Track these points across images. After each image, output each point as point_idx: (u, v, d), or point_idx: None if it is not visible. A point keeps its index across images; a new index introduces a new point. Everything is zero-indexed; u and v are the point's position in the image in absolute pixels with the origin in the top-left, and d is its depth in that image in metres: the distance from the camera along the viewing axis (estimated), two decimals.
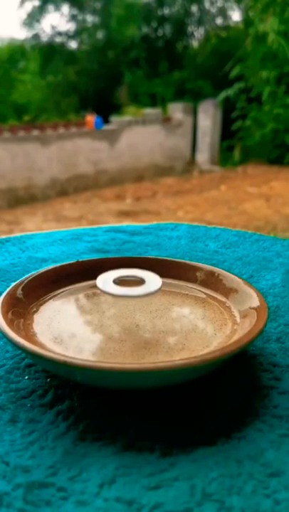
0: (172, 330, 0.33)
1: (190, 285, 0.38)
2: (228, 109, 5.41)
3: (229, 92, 5.22)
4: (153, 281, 0.33)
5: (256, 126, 5.23)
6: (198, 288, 0.38)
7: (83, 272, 0.39)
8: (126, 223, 0.65)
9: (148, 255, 0.50)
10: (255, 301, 0.33)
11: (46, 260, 0.51)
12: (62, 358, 0.26)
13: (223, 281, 0.37)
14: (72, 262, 0.40)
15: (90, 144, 4.73)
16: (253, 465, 0.24)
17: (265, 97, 5.01)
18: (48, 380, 0.30)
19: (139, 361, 0.29)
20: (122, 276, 0.34)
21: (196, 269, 0.39)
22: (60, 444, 0.25)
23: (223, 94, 5.30)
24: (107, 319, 0.34)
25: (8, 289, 0.34)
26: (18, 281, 0.36)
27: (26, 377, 0.31)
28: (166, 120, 5.42)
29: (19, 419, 0.27)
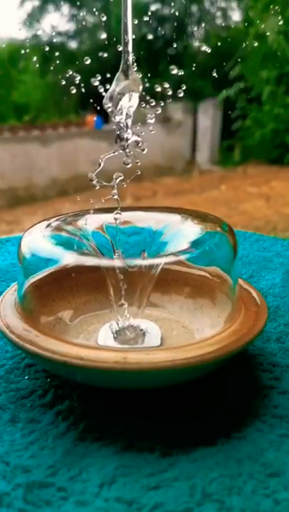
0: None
1: None
2: (228, 109, 5.40)
3: (229, 92, 5.22)
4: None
5: (256, 126, 5.23)
6: None
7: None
8: None
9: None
10: (255, 301, 0.33)
11: None
12: (62, 358, 0.26)
13: None
14: None
15: (90, 144, 4.73)
16: (253, 465, 0.24)
17: (265, 97, 5.01)
18: (48, 380, 0.30)
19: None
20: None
21: None
22: (60, 444, 0.25)
23: (223, 94, 5.30)
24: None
25: (8, 289, 0.34)
26: None
27: (26, 377, 0.31)
28: (166, 120, 5.42)
29: (19, 419, 0.27)
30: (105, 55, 0.33)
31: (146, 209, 0.39)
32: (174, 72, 0.33)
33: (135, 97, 0.31)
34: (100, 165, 0.32)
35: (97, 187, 0.33)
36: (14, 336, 0.28)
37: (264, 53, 4.80)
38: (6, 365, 0.32)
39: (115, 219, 0.34)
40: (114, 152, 0.32)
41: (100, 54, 0.33)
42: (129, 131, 0.32)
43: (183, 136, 5.59)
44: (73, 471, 0.23)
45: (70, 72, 0.33)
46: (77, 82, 0.33)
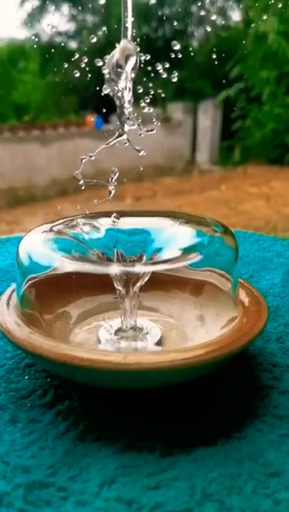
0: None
1: None
2: (228, 109, 5.40)
3: (229, 92, 5.22)
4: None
5: (256, 126, 5.23)
6: None
7: None
8: None
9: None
10: (255, 301, 0.33)
11: None
12: (62, 358, 0.26)
13: None
14: None
15: (90, 144, 4.72)
16: (253, 465, 0.24)
17: (265, 97, 5.01)
18: (48, 380, 0.30)
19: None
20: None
21: None
22: (60, 444, 0.25)
23: (223, 94, 5.30)
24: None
25: (8, 289, 0.34)
26: None
27: (26, 377, 0.31)
28: (166, 120, 5.42)
29: (19, 419, 0.27)
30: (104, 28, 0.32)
31: (143, 213, 0.39)
32: (177, 47, 0.33)
33: (133, 60, 0.31)
34: (81, 161, 0.32)
35: (83, 187, 0.33)
36: (14, 336, 0.28)
37: (264, 53, 4.80)
38: (6, 365, 0.32)
39: (113, 222, 0.34)
40: (108, 143, 0.32)
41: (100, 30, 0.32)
42: (129, 101, 0.31)
43: (183, 136, 5.59)
44: (73, 471, 0.23)
45: (77, 56, 0.33)
46: (83, 65, 0.33)
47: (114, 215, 0.35)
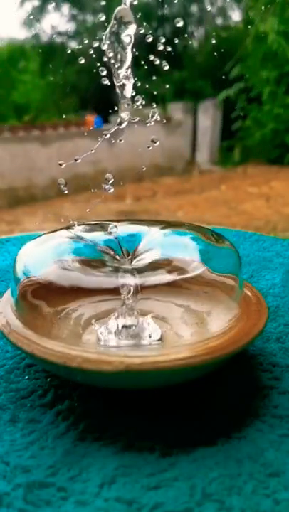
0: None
1: None
2: (228, 109, 5.40)
3: (229, 92, 5.22)
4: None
5: (256, 126, 5.23)
6: None
7: None
8: None
9: None
10: (255, 301, 0.33)
11: None
12: (61, 359, 0.26)
13: None
14: None
15: (90, 144, 4.72)
16: (253, 465, 0.24)
17: (265, 97, 5.01)
18: (48, 380, 0.30)
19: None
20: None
21: None
22: (60, 444, 0.25)
23: (223, 94, 5.31)
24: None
25: (8, 289, 0.34)
26: None
27: (26, 377, 0.31)
28: (166, 120, 5.42)
29: (19, 419, 0.27)
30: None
31: (140, 222, 0.40)
32: (179, 25, 0.33)
33: (131, 27, 0.30)
34: (60, 165, 0.32)
35: (66, 192, 0.33)
36: (14, 337, 0.28)
37: (264, 53, 4.80)
38: (6, 365, 0.32)
39: (111, 233, 0.35)
40: (105, 134, 0.32)
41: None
42: (128, 71, 0.31)
43: (183, 136, 5.59)
44: (73, 471, 0.23)
45: (86, 41, 0.32)
46: (91, 52, 0.32)
47: (112, 225, 0.35)
